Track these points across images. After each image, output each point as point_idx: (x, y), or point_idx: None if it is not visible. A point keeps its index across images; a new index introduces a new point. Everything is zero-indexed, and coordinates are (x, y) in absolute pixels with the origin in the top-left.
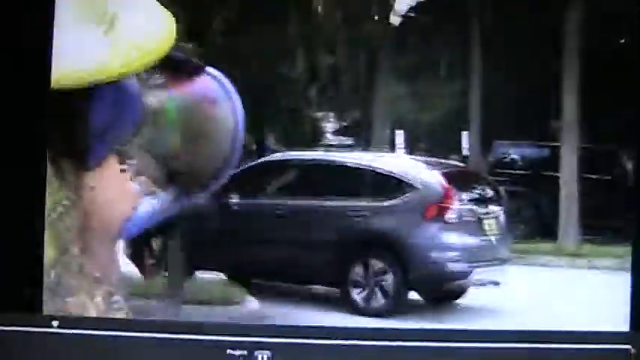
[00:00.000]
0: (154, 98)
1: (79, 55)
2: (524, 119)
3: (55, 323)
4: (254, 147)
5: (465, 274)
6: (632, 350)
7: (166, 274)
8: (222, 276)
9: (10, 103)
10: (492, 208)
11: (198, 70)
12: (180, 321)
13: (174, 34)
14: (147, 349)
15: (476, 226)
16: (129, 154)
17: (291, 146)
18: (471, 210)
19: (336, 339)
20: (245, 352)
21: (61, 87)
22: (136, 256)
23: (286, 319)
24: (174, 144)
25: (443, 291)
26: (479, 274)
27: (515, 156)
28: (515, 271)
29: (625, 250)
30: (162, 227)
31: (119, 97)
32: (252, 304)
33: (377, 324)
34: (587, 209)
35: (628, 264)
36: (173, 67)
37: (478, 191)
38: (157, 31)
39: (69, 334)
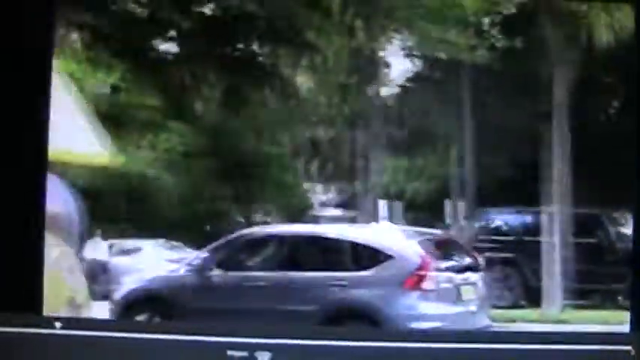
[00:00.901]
0: None
1: None
2: (512, 187)
3: (57, 324)
4: (243, 220)
5: None
6: (633, 351)
7: None
8: None
9: (10, 104)
10: (470, 275)
11: None
12: (181, 323)
13: None
14: (148, 350)
15: (454, 294)
16: None
17: (280, 219)
18: (448, 278)
19: (335, 340)
20: (246, 353)
21: None
22: None
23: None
24: None
25: None
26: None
27: (500, 223)
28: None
29: (611, 315)
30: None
31: None
32: None
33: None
34: (571, 274)
35: (610, 328)
36: None
37: (455, 259)
38: None
39: (71, 335)
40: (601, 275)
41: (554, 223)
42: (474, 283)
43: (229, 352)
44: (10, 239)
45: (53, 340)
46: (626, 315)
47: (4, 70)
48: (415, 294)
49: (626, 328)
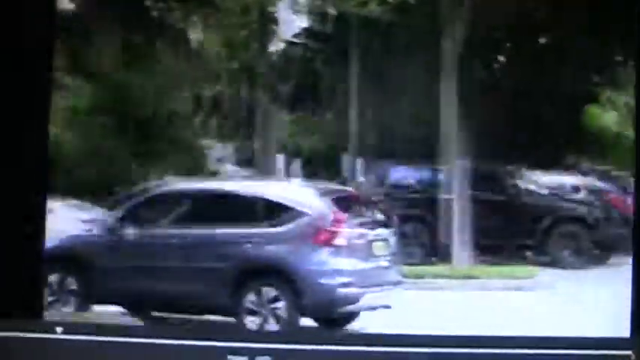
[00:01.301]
0: None
1: None
2: (418, 143)
3: (59, 329)
4: (145, 178)
5: (355, 299)
6: (633, 356)
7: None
8: (120, 309)
9: (10, 104)
10: (382, 231)
11: None
12: (182, 327)
13: None
14: (149, 354)
15: (366, 250)
16: None
17: (182, 176)
18: (360, 234)
19: (335, 345)
20: (246, 358)
21: None
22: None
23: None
24: None
25: (335, 316)
26: (370, 298)
27: (408, 180)
28: (408, 295)
29: (519, 270)
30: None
31: None
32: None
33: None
34: (480, 230)
35: (520, 282)
36: None
37: (368, 215)
38: None
39: (73, 340)
40: (508, 231)
41: (460, 180)
42: (385, 239)
43: (230, 357)
44: (9, 243)
45: (54, 345)
46: (533, 269)
47: (4, 71)
48: (328, 250)
49: (533, 283)
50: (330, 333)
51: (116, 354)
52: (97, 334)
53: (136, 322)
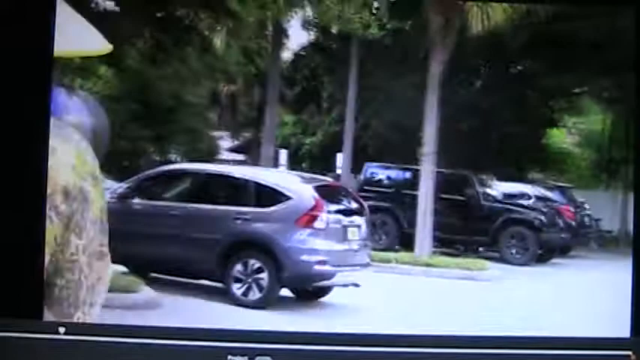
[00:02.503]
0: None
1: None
2: (393, 145)
3: (61, 330)
4: (158, 158)
5: (329, 276)
6: (633, 356)
7: None
8: (123, 268)
9: (11, 105)
10: (356, 218)
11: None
12: (182, 327)
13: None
14: (149, 355)
15: (341, 233)
16: None
17: (191, 160)
18: (337, 219)
19: (334, 345)
20: (246, 359)
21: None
22: None
23: (176, 305)
24: None
25: (310, 289)
26: (342, 276)
27: (382, 176)
28: (375, 276)
29: (472, 262)
30: None
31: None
32: (148, 293)
33: (252, 315)
34: (441, 225)
35: (473, 273)
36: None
37: (344, 204)
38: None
39: (75, 340)
40: (466, 228)
41: (428, 180)
42: (358, 226)
43: (230, 357)
44: (9, 243)
45: (57, 346)
46: (485, 263)
47: (5, 71)
48: (307, 231)
49: (484, 275)
50: (329, 334)
51: (117, 354)
52: (99, 335)
53: (136, 281)
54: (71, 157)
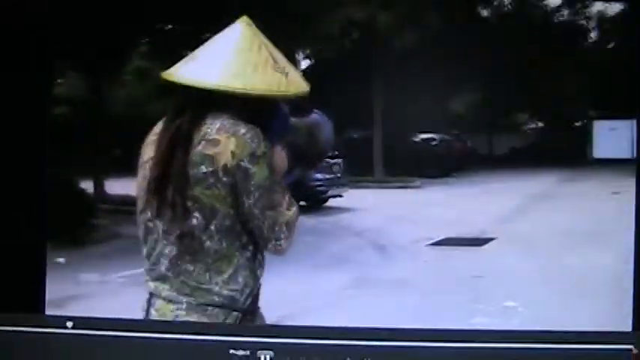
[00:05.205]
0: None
1: (261, 78)
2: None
3: (69, 324)
4: None
5: (326, 191)
6: (635, 350)
7: None
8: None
9: (11, 104)
10: (337, 160)
11: (310, 110)
12: (185, 322)
13: (306, 90)
14: (153, 348)
15: (328, 168)
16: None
17: None
18: (327, 161)
19: (336, 339)
20: (248, 353)
21: (249, 93)
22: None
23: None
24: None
25: (314, 200)
26: (332, 191)
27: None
28: (352, 191)
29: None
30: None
31: (284, 116)
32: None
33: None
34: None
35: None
36: (300, 108)
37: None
38: (300, 85)
39: (82, 334)
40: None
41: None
42: (338, 164)
43: (231, 351)
44: (10, 237)
45: (64, 340)
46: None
47: (6, 72)
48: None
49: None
50: (331, 327)
51: (122, 348)
52: (106, 329)
53: None
54: (231, 145)
